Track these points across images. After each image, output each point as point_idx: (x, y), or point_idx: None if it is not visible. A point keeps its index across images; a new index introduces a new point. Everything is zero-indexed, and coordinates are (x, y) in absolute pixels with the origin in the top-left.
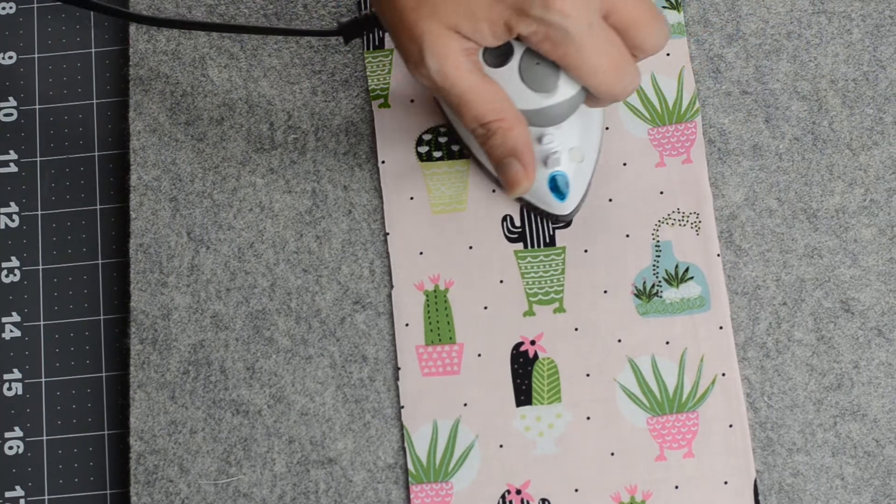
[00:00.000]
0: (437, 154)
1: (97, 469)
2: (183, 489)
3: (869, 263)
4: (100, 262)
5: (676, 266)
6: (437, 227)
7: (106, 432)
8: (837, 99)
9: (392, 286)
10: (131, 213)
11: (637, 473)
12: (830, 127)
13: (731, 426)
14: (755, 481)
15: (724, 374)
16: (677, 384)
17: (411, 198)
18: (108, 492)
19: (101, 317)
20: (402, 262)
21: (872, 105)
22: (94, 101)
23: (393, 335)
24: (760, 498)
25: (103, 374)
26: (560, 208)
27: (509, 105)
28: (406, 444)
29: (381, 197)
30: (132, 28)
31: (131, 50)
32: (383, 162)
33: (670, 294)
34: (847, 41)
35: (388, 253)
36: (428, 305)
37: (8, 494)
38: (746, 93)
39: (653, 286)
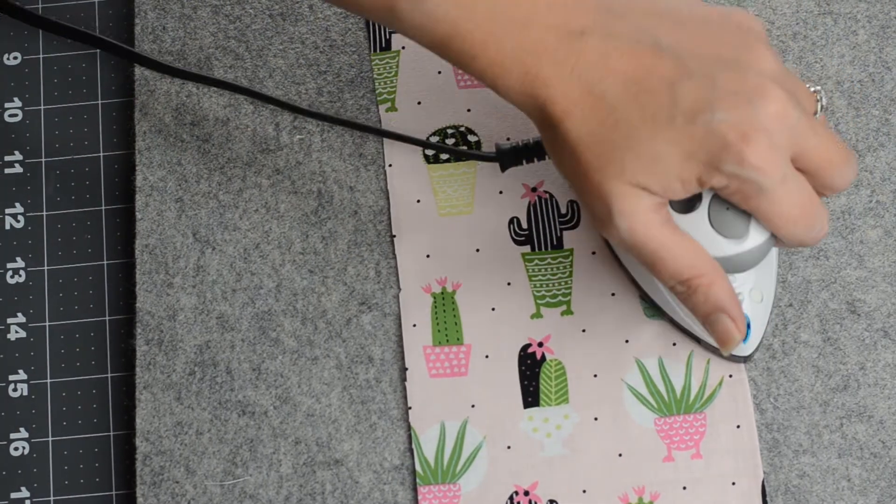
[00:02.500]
0: (444, 156)
1: (103, 470)
2: (189, 490)
3: (875, 265)
4: (105, 262)
5: None
6: (444, 230)
7: (112, 433)
8: (843, 100)
9: (399, 288)
10: (137, 213)
11: (645, 474)
12: (836, 128)
13: (738, 427)
14: (763, 482)
15: (730, 376)
16: (685, 385)
17: (418, 200)
18: (114, 493)
19: (107, 318)
20: (409, 266)
21: (878, 106)
22: (99, 102)
23: (399, 336)
24: (766, 499)
25: (109, 375)
26: (742, 349)
27: (705, 258)
28: (414, 446)
29: (387, 198)
30: (137, 28)
31: (136, 50)
32: (390, 165)
33: None
34: (853, 42)
35: (394, 255)
36: (435, 306)
37: (13, 496)
38: None
39: None
